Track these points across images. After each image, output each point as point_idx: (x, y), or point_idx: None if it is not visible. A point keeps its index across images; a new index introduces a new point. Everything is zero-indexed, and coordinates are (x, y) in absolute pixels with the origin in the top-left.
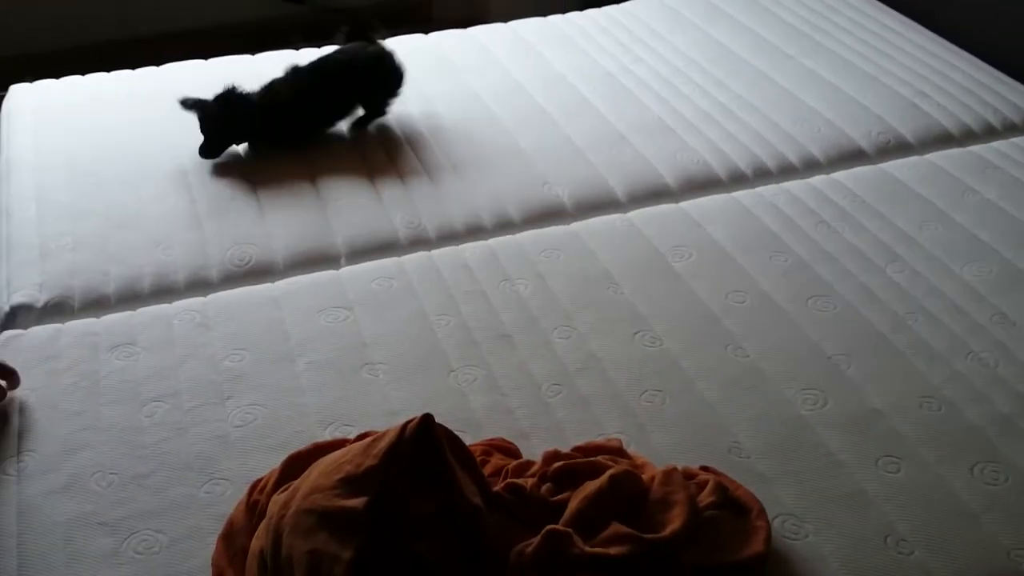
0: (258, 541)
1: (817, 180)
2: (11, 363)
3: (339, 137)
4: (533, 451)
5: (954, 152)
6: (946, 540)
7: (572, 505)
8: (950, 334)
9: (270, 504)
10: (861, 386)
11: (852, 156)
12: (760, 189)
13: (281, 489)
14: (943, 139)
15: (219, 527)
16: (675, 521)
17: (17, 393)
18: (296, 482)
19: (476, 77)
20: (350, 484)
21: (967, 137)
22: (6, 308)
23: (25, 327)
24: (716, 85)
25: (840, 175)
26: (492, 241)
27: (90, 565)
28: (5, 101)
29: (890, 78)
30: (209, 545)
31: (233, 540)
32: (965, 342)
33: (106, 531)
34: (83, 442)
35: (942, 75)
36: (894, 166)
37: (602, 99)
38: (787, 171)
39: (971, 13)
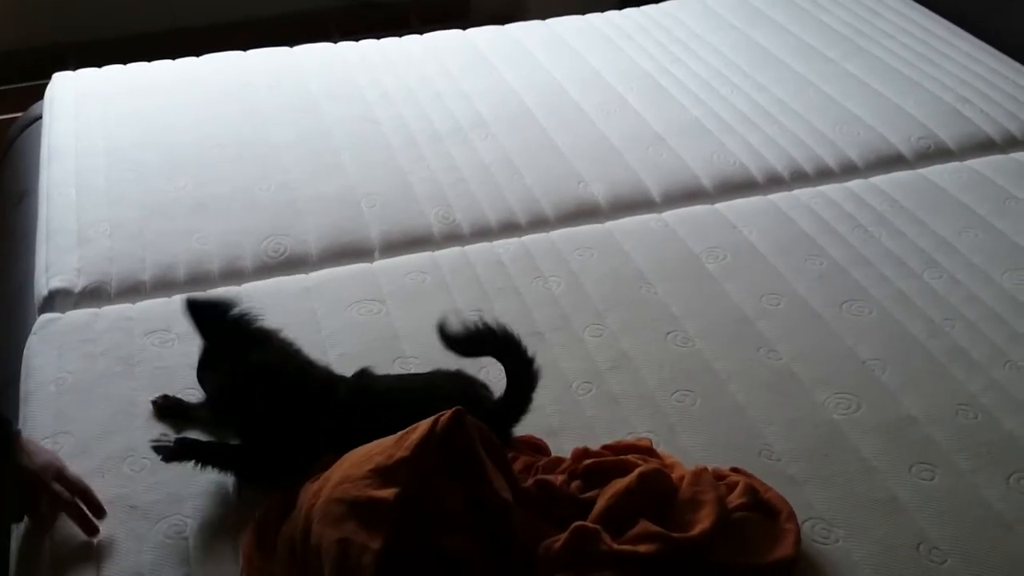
0: (288, 528)
1: (855, 184)
2: (49, 345)
3: (374, 132)
4: (562, 449)
5: (996, 159)
6: (979, 550)
7: (601, 502)
8: (988, 342)
9: (301, 492)
10: (896, 392)
11: (891, 161)
12: (797, 192)
13: (313, 478)
14: (985, 145)
15: (248, 515)
16: (704, 521)
17: (53, 375)
18: (327, 471)
19: (513, 74)
20: (381, 475)
21: (1009, 144)
22: (45, 292)
23: (63, 311)
24: (755, 87)
25: (878, 180)
26: (526, 238)
27: (120, 548)
28: (48, 88)
29: (932, 83)
30: (238, 532)
31: (265, 527)
32: (1003, 351)
33: (137, 515)
34: (117, 426)
35: (985, 81)
36: (934, 172)
37: (639, 99)
38: (825, 175)
39: (1015, 19)
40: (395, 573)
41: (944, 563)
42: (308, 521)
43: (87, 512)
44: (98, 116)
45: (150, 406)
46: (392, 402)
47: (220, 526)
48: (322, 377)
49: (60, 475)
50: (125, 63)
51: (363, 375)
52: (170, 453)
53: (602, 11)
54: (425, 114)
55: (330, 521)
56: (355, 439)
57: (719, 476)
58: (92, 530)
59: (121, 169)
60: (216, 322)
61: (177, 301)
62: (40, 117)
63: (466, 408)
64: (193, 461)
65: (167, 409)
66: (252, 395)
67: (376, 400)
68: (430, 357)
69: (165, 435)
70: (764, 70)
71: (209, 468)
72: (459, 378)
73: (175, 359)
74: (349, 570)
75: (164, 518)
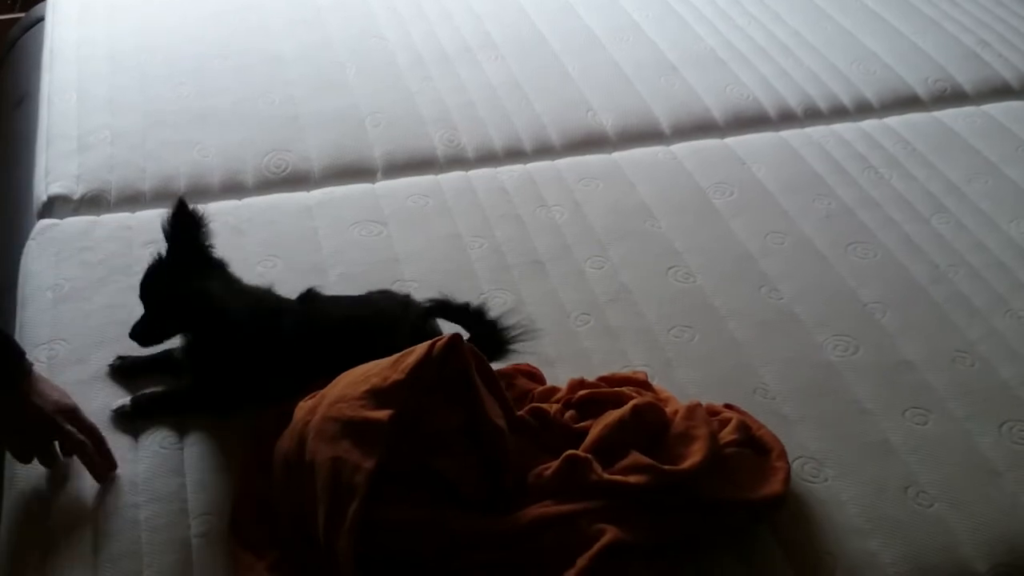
0: (283, 444)
1: (868, 124)
2: (47, 251)
3: (381, 49)
4: (558, 378)
5: (1012, 104)
6: (967, 495)
7: (593, 432)
8: (991, 290)
9: (296, 410)
10: (894, 336)
11: (906, 102)
12: (809, 130)
13: (308, 396)
14: (1002, 91)
15: (244, 426)
16: (695, 455)
17: (50, 281)
18: (323, 391)
19: None
20: (376, 396)
21: None
22: (44, 198)
23: (61, 217)
24: (773, 18)
25: (892, 120)
26: (531, 165)
27: (115, 457)
28: None
29: (952, 24)
30: (234, 443)
31: (262, 441)
32: (1005, 299)
33: (131, 424)
34: (113, 335)
35: (1006, 24)
36: (948, 115)
37: (654, 26)
38: (839, 112)
39: None
40: (387, 493)
41: (931, 507)
42: (302, 438)
43: (97, 457)
44: (101, 20)
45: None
46: (337, 331)
47: (215, 437)
48: (268, 308)
49: (74, 416)
50: None
51: (308, 297)
52: (133, 414)
53: None
54: (433, 32)
55: (324, 439)
56: (303, 373)
57: (712, 412)
58: (102, 476)
59: (124, 76)
60: (188, 236)
61: None
62: (42, 19)
63: (402, 328)
64: (156, 415)
65: (124, 370)
66: (204, 325)
67: (322, 331)
68: (430, 280)
69: (124, 405)
70: (782, 0)
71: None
72: (394, 298)
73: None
74: (341, 488)
75: (159, 427)
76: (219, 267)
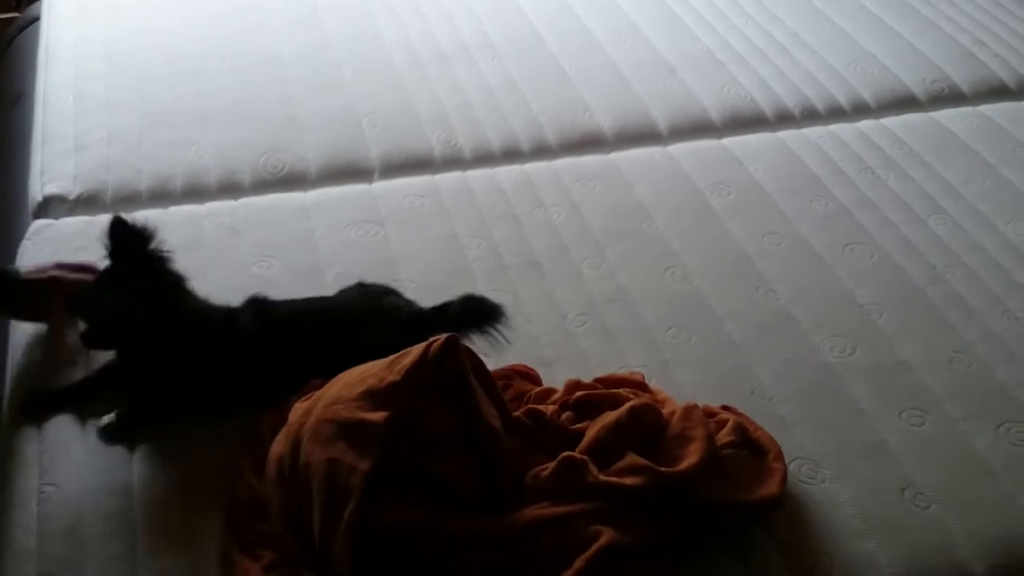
0: (278, 446)
1: (865, 125)
2: (42, 252)
3: (378, 49)
4: (555, 379)
5: (1009, 106)
6: (964, 497)
7: (590, 434)
8: (987, 291)
9: (292, 411)
10: (891, 337)
11: (903, 103)
12: (806, 131)
13: (304, 398)
14: (998, 91)
15: (238, 429)
16: (691, 457)
17: None
18: (318, 392)
19: None
20: (372, 398)
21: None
22: (39, 198)
23: (57, 217)
24: (769, 19)
25: (889, 121)
26: (528, 166)
27: (112, 458)
28: None
29: (949, 24)
30: (228, 445)
31: (256, 444)
32: (1002, 300)
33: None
34: None
35: (1003, 25)
36: (945, 116)
37: (652, 26)
38: (836, 113)
39: None
40: (382, 494)
41: (928, 508)
42: (298, 440)
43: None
44: (98, 20)
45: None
46: (300, 326)
47: (210, 439)
48: (221, 313)
49: (61, 265)
50: None
51: (255, 302)
52: (115, 432)
53: None
54: (431, 32)
55: (320, 440)
56: (264, 368)
57: (709, 413)
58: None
59: (121, 76)
60: (132, 250)
61: (173, 213)
62: (38, 18)
63: (382, 319)
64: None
65: (41, 402)
66: (155, 334)
67: (283, 325)
68: (427, 281)
69: (110, 420)
70: (779, 1)
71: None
72: (365, 289)
73: None
74: (337, 489)
75: (156, 429)
76: (164, 282)
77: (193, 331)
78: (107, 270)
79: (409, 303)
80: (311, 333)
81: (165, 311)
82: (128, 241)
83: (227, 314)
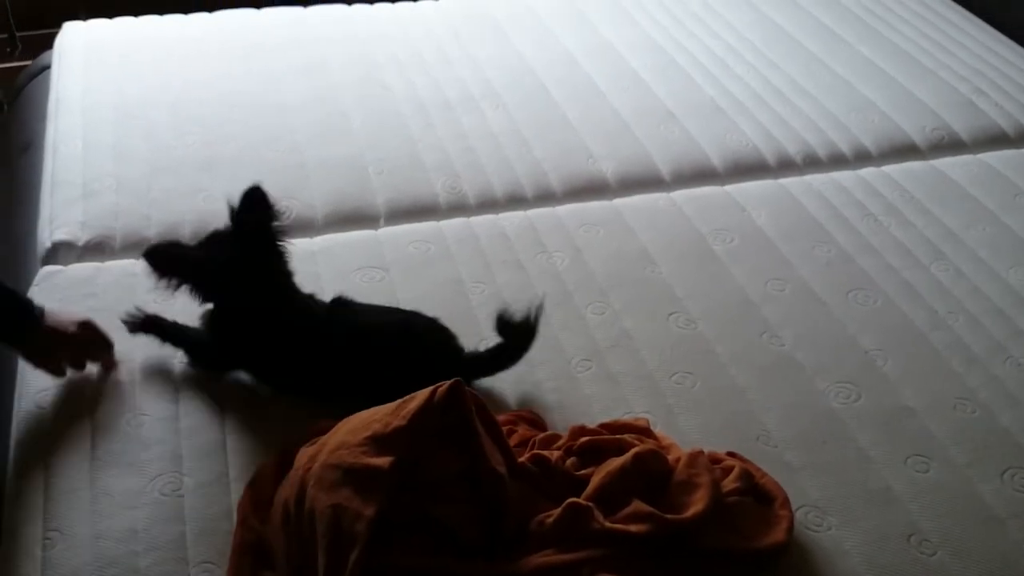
0: (283, 491)
1: (867, 172)
2: (50, 299)
3: (384, 97)
4: (559, 425)
5: (1008, 153)
6: (970, 544)
7: (595, 480)
8: (990, 337)
9: (297, 456)
10: (895, 383)
11: (904, 150)
12: (808, 177)
13: (310, 442)
14: (998, 139)
15: (245, 474)
16: (697, 504)
17: None
18: (324, 437)
19: (526, 44)
20: (377, 443)
21: (1022, 138)
22: (48, 244)
23: (65, 264)
24: (769, 67)
25: (890, 169)
26: (531, 212)
27: (115, 504)
28: (58, 38)
29: (948, 73)
30: (234, 491)
31: (260, 489)
32: (1005, 346)
33: (133, 471)
34: (116, 382)
35: (1001, 73)
36: (946, 163)
37: (652, 74)
38: (837, 160)
39: None
40: (388, 541)
41: (934, 555)
42: (303, 485)
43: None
44: (108, 68)
45: (152, 362)
46: (368, 327)
47: (216, 485)
48: (305, 300)
49: (87, 326)
50: (136, 15)
51: (339, 301)
52: (134, 326)
53: None
54: (436, 81)
55: (325, 486)
56: (328, 358)
57: (715, 460)
58: (111, 365)
59: (129, 124)
60: (255, 220)
61: None
62: (48, 67)
63: (436, 352)
64: (156, 336)
65: (141, 324)
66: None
67: (352, 322)
68: None
69: (138, 309)
70: (779, 49)
71: (169, 345)
72: (432, 323)
73: (177, 316)
74: (342, 536)
75: (160, 475)
76: (269, 254)
77: (302, 319)
78: (228, 227)
79: (461, 347)
80: (377, 336)
81: (285, 291)
82: (261, 208)
83: (328, 308)
